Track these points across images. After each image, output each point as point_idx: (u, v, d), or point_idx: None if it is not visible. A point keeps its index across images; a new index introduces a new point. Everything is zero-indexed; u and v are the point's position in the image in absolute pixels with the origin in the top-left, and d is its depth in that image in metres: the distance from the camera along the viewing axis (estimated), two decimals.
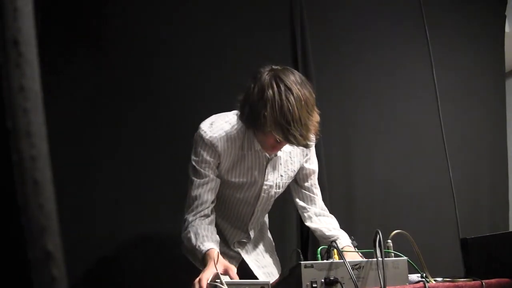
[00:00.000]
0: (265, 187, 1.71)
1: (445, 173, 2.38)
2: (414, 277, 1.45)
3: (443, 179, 2.54)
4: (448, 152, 2.37)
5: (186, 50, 2.43)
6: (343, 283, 1.26)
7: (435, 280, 1.44)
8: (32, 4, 0.46)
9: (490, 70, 3.36)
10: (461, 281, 1.43)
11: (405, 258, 1.39)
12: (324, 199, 1.85)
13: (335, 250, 1.34)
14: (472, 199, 3.07)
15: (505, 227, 3.21)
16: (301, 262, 1.26)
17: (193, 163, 1.64)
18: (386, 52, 2.97)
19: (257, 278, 1.72)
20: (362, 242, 1.69)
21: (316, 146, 1.80)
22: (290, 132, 1.41)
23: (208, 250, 1.45)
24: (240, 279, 1.45)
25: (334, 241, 1.67)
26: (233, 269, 1.37)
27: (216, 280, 1.28)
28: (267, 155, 1.65)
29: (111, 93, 2.28)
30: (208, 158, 1.60)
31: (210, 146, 1.60)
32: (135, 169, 2.25)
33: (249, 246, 1.85)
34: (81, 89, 2.21)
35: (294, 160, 1.74)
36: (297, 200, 1.82)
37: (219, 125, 1.64)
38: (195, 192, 1.61)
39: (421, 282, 1.38)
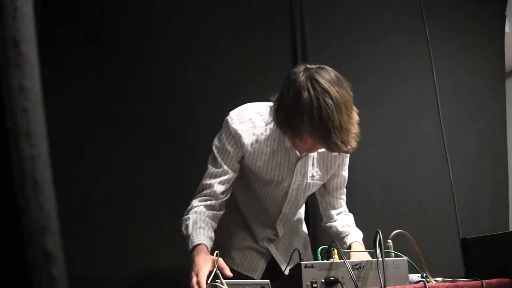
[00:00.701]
0: (293, 186, 1.63)
1: (445, 173, 2.39)
2: (414, 277, 1.45)
3: (443, 179, 2.54)
4: (448, 152, 2.37)
5: (186, 50, 2.43)
6: (343, 283, 1.26)
7: (435, 280, 1.44)
8: (32, 4, 0.46)
9: (490, 70, 3.36)
10: (461, 281, 1.43)
11: (405, 258, 1.40)
12: None
13: (335, 250, 1.34)
14: (472, 199, 3.07)
15: (505, 227, 3.21)
16: (301, 262, 1.26)
17: (214, 148, 1.59)
18: (386, 52, 2.97)
19: (284, 274, 1.69)
20: (362, 242, 1.69)
21: None
22: (331, 139, 1.32)
23: (198, 244, 1.42)
24: (268, 275, 1.44)
25: (345, 237, 1.68)
26: (222, 262, 1.35)
27: (216, 280, 1.28)
28: (297, 153, 1.57)
29: (112, 93, 2.27)
30: (229, 148, 1.55)
31: (234, 135, 1.54)
32: (136, 169, 2.25)
33: (280, 243, 1.79)
34: (81, 89, 2.21)
35: (328, 164, 1.65)
36: (322, 202, 1.79)
37: (249, 115, 1.56)
38: (207, 181, 1.57)
39: (421, 282, 1.39)
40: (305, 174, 1.63)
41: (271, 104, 1.52)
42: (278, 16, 2.69)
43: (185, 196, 1.68)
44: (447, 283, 1.41)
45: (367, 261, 1.33)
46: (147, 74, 2.35)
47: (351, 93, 1.40)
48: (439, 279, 1.46)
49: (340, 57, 2.83)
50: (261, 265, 1.76)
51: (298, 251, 1.57)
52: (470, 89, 3.25)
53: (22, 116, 0.43)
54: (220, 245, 1.75)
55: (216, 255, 1.34)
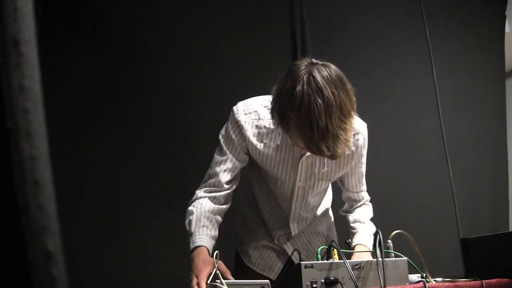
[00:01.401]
0: (298, 184, 1.57)
1: (445, 173, 2.38)
2: (414, 277, 1.45)
3: (443, 179, 2.54)
4: (448, 152, 2.37)
5: (186, 49, 2.43)
6: (343, 283, 1.26)
7: (435, 280, 1.44)
8: (32, 4, 0.46)
9: (490, 70, 3.36)
10: (461, 281, 1.43)
11: (405, 258, 1.39)
12: None
13: (335, 250, 1.34)
14: (472, 199, 3.07)
15: (505, 227, 3.21)
16: (301, 262, 1.26)
17: (220, 137, 1.56)
18: (386, 52, 2.97)
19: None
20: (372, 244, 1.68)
21: None
22: (313, 140, 1.25)
23: (199, 246, 1.40)
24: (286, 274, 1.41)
25: (353, 236, 1.65)
26: (222, 265, 1.34)
27: (216, 280, 1.28)
28: (302, 151, 1.49)
29: (112, 93, 2.28)
30: (233, 136, 1.52)
31: (237, 125, 1.51)
32: (136, 169, 2.25)
33: (297, 242, 1.72)
34: (81, 89, 2.21)
35: (341, 163, 1.56)
36: (344, 195, 1.74)
37: (255, 107, 1.52)
38: (212, 170, 1.54)
39: (421, 282, 1.38)
40: (312, 174, 1.56)
41: None
42: (278, 16, 2.69)
43: (185, 196, 1.68)
44: (447, 283, 1.41)
45: (367, 261, 1.33)
46: (146, 74, 2.35)
47: (353, 98, 1.33)
48: (439, 279, 1.46)
49: (340, 57, 2.81)
50: (278, 264, 1.72)
51: (298, 251, 1.57)
52: (470, 89, 3.25)
53: (22, 116, 0.43)
54: (241, 242, 1.73)
55: (216, 256, 1.34)
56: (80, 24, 2.26)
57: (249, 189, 1.73)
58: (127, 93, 2.30)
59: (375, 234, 1.33)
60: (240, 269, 1.71)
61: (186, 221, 1.49)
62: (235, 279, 1.33)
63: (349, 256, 1.48)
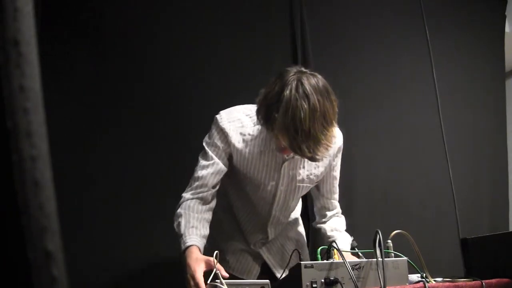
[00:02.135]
0: (281, 188, 1.64)
1: (445, 173, 2.38)
2: (414, 277, 1.45)
3: (443, 179, 2.54)
4: (448, 152, 2.37)
5: (186, 50, 2.43)
6: (343, 283, 1.26)
7: (435, 280, 1.44)
8: (32, 4, 0.46)
9: (490, 70, 3.36)
10: (461, 281, 1.43)
11: (405, 258, 1.40)
12: None
13: (335, 250, 1.34)
14: (472, 199, 3.07)
15: (505, 227, 3.21)
16: (301, 262, 1.26)
17: (204, 144, 1.62)
18: (386, 52, 2.97)
19: (276, 278, 1.70)
20: (362, 242, 1.69)
21: None
22: (296, 141, 1.33)
23: (190, 245, 1.42)
24: (261, 278, 1.44)
25: (333, 241, 1.67)
26: (222, 269, 1.35)
27: (216, 280, 1.28)
28: (285, 155, 1.57)
29: (112, 93, 2.28)
30: (218, 143, 1.58)
31: (223, 133, 1.57)
32: (136, 169, 2.25)
33: (273, 247, 1.80)
34: (81, 89, 2.21)
35: (319, 164, 1.65)
36: (316, 204, 1.79)
37: (238, 116, 1.60)
38: (198, 173, 1.58)
39: (421, 282, 1.39)
40: (293, 177, 1.63)
41: None
42: (278, 16, 2.69)
43: None
44: (447, 283, 1.41)
45: (367, 261, 1.34)
46: (147, 74, 2.35)
47: (336, 109, 1.41)
48: (439, 279, 1.46)
49: (340, 57, 2.83)
50: (256, 267, 1.78)
51: (298, 252, 1.57)
52: (470, 89, 3.25)
53: (22, 116, 0.43)
54: (216, 248, 1.76)
55: (216, 256, 1.34)
56: (80, 24, 2.26)
57: (224, 196, 1.75)
58: (127, 93, 2.30)
59: (375, 234, 1.33)
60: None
61: (175, 224, 1.52)
62: None
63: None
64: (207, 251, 1.47)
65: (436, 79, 2.46)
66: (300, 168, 1.63)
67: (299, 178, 1.64)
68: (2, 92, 0.43)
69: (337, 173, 1.74)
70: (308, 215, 2.30)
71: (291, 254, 1.68)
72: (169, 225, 2.07)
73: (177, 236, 1.49)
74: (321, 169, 1.67)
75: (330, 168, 1.70)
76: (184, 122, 2.36)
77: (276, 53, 2.63)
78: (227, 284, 1.25)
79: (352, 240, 1.66)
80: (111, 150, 2.22)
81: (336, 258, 1.33)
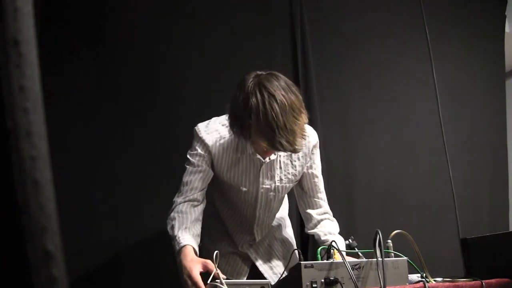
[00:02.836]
0: (261, 190, 1.70)
1: (445, 173, 2.38)
2: (414, 277, 1.45)
3: (443, 179, 2.54)
4: (448, 152, 2.37)
5: (185, 49, 2.43)
6: (343, 283, 1.26)
7: (435, 280, 1.44)
8: (32, 4, 0.46)
9: (490, 70, 3.36)
10: (461, 281, 1.43)
11: (405, 258, 1.40)
12: None
13: (335, 250, 1.34)
14: (472, 199, 3.07)
15: (505, 227, 3.21)
16: (301, 262, 1.26)
17: (188, 155, 1.68)
18: (386, 52, 2.97)
19: (265, 278, 1.73)
20: (362, 242, 1.69)
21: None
22: (276, 139, 1.40)
23: (184, 246, 1.46)
24: (250, 279, 1.46)
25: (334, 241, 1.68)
26: (210, 262, 1.39)
27: (216, 280, 1.28)
28: (261, 158, 1.65)
29: (111, 93, 2.28)
30: (202, 152, 1.64)
31: (203, 144, 1.64)
32: (136, 169, 2.25)
33: (260, 247, 1.85)
34: (81, 89, 2.21)
35: (295, 164, 1.72)
36: (301, 204, 1.82)
37: (215, 127, 1.67)
38: (186, 178, 1.64)
39: (421, 282, 1.39)
40: (272, 178, 1.69)
41: None
42: (278, 16, 2.69)
43: None
44: (447, 283, 1.41)
45: (367, 261, 1.34)
46: (146, 74, 2.35)
47: (300, 97, 1.48)
48: (439, 279, 1.46)
49: (340, 57, 2.83)
50: (245, 268, 1.82)
51: (298, 251, 1.57)
52: (470, 89, 3.25)
53: (22, 116, 0.43)
54: (205, 252, 1.79)
55: (216, 256, 1.34)
56: (80, 24, 2.26)
57: (210, 202, 1.79)
58: (127, 93, 2.30)
59: (375, 234, 1.33)
60: (209, 276, 1.76)
61: (169, 227, 1.57)
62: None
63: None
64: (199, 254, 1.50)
65: (436, 79, 2.46)
66: (277, 169, 1.70)
67: (277, 178, 1.70)
68: (2, 92, 0.43)
69: (317, 171, 1.78)
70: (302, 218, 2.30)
71: (291, 254, 1.68)
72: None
73: (171, 239, 1.53)
74: (299, 168, 1.73)
75: (307, 165, 1.74)
76: (184, 122, 2.36)
77: (276, 53, 2.63)
78: (227, 284, 1.25)
79: (352, 240, 1.66)
80: (111, 150, 2.22)
81: (336, 258, 1.33)
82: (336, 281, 1.25)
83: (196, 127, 1.68)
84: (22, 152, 0.43)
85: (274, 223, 1.91)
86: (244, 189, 1.69)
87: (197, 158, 1.65)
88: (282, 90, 1.43)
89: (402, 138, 2.94)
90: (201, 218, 1.61)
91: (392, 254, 1.40)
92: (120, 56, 2.30)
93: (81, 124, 2.19)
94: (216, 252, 1.35)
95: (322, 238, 1.72)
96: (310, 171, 1.76)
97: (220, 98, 2.36)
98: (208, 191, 1.71)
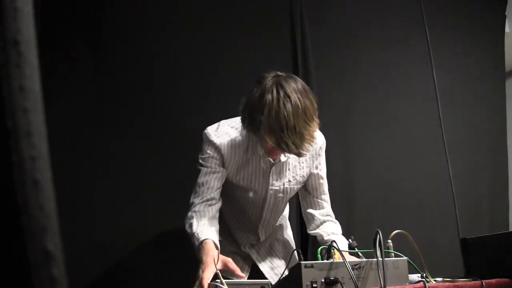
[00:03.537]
0: (270, 191, 1.71)
1: (445, 173, 2.38)
2: (414, 277, 1.45)
3: (443, 179, 2.54)
4: (448, 152, 2.37)
5: (186, 50, 2.43)
6: (343, 283, 1.26)
7: (435, 280, 1.44)
8: (32, 4, 0.46)
9: (490, 70, 3.36)
10: (461, 281, 1.43)
11: (405, 258, 1.39)
12: None
13: (335, 250, 1.34)
14: (472, 199, 3.07)
15: (505, 227, 3.21)
16: (301, 262, 1.26)
17: (200, 160, 1.68)
18: (386, 52, 2.97)
19: (266, 278, 1.73)
20: (362, 242, 1.69)
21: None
22: (283, 139, 1.41)
23: (204, 239, 1.47)
24: (251, 279, 1.46)
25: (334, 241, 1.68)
26: (231, 261, 1.42)
27: (216, 280, 1.28)
28: (271, 160, 1.65)
29: (111, 93, 2.28)
30: (215, 155, 1.64)
31: (215, 147, 1.64)
32: (136, 169, 2.25)
33: (262, 248, 1.87)
34: (81, 89, 2.21)
35: (302, 165, 1.73)
36: (304, 205, 1.82)
37: (225, 130, 1.67)
38: (202, 179, 1.64)
39: (421, 282, 1.38)
40: (281, 179, 1.71)
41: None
42: (278, 16, 2.69)
43: (186, 197, 1.68)
44: (447, 283, 1.41)
45: (367, 261, 1.33)
46: (146, 74, 2.35)
47: (315, 105, 1.49)
48: (439, 279, 1.46)
49: (339, 57, 2.83)
50: (246, 268, 1.83)
51: (298, 251, 1.57)
52: (470, 89, 3.25)
53: (22, 116, 0.43)
54: None
55: (217, 253, 1.34)
56: (80, 24, 2.26)
57: None
58: (127, 93, 2.30)
59: (375, 234, 1.33)
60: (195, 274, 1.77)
61: (187, 225, 1.57)
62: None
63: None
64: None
65: (436, 79, 2.46)
66: (286, 170, 1.71)
67: (285, 180, 1.72)
68: (2, 92, 0.43)
69: (322, 172, 1.79)
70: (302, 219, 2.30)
71: (291, 254, 1.68)
72: (169, 225, 2.07)
73: (190, 237, 1.54)
74: (306, 169, 1.74)
75: (313, 166, 1.76)
76: (184, 121, 2.36)
77: (276, 53, 2.63)
78: (227, 284, 1.25)
79: (352, 240, 1.66)
80: (111, 150, 2.22)
81: (336, 258, 1.33)
82: (336, 281, 1.25)
83: (205, 131, 1.68)
84: (22, 152, 0.43)
85: (277, 224, 1.92)
86: (253, 190, 1.70)
87: (210, 160, 1.65)
88: (299, 93, 1.44)
89: (402, 138, 2.94)
90: (217, 216, 1.62)
91: (392, 254, 1.40)
92: (120, 56, 2.30)
93: (81, 124, 2.19)
94: (216, 252, 1.35)
95: (325, 238, 1.72)
96: (315, 171, 1.77)
97: (220, 98, 2.38)
98: None
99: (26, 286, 0.43)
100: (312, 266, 1.25)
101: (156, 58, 2.37)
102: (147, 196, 2.24)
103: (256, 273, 1.80)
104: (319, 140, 1.74)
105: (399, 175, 2.88)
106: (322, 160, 1.79)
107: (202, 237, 1.48)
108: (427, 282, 1.38)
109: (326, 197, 1.82)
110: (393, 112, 2.95)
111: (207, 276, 1.33)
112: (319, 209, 1.79)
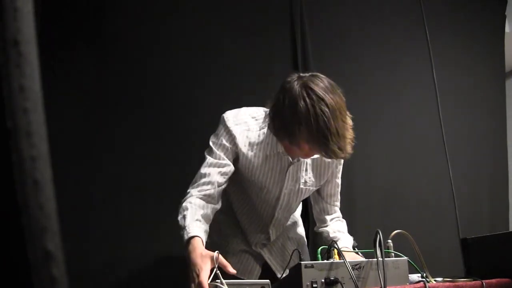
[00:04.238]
0: (285, 190, 1.65)
1: (445, 173, 2.38)
2: (415, 277, 1.45)
3: (443, 180, 2.54)
4: (448, 152, 2.37)
5: (186, 49, 2.43)
6: (344, 283, 1.26)
7: (435, 280, 1.44)
8: (32, 4, 0.46)
9: (490, 70, 3.36)
10: (461, 281, 1.43)
11: (406, 258, 1.39)
12: None
13: (335, 250, 1.34)
14: (472, 199, 3.07)
15: (505, 227, 3.21)
16: (301, 262, 1.26)
17: (211, 144, 1.59)
18: (386, 52, 2.97)
19: (277, 278, 1.70)
20: (362, 242, 1.69)
21: None
22: (329, 147, 1.34)
23: (193, 237, 1.39)
24: (262, 278, 1.44)
25: (336, 240, 1.67)
26: (220, 256, 1.34)
27: (216, 280, 1.28)
28: (290, 159, 1.59)
29: (112, 93, 2.28)
30: (226, 144, 1.56)
31: (230, 135, 1.56)
32: (136, 169, 2.25)
33: (274, 247, 1.81)
34: (81, 89, 2.21)
35: (322, 170, 1.66)
36: (316, 208, 1.79)
37: (244, 118, 1.59)
38: (205, 170, 1.55)
39: (421, 282, 1.38)
40: (297, 180, 1.64)
41: (266, 109, 1.54)
42: (278, 16, 2.69)
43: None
44: (447, 283, 1.41)
45: (367, 261, 1.33)
46: (147, 74, 2.35)
47: (344, 99, 1.42)
48: (439, 279, 1.46)
49: (340, 57, 2.83)
50: (257, 268, 1.78)
51: (298, 251, 1.57)
52: (470, 89, 3.25)
53: (22, 116, 0.43)
54: (216, 249, 1.76)
55: (217, 253, 1.34)
56: (80, 24, 2.26)
57: (225, 196, 1.75)
58: (127, 92, 2.30)
59: (375, 234, 1.33)
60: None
61: (180, 217, 1.49)
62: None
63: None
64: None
65: (436, 79, 2.46)
66: (303, 170, 1.64)
67: (302, 181, 1.64)
68: (2, 92, 0.43)
69: (339, 179, 1.74)
70: (309, 217, 2.30)
71: (291, 254, 1.68)
72: (170, 226, 2.07)
73: (180, 228, 1.46)
74: (323, 173, 1.67)
75: (332, 172, 1.69)
76: (184, 123, 2.37)
77: (276, 53, 2.63)
78: (227, 284, 1.25)
79: (353, 240, 1.66)
80: (111, 150, 2.22)
81: (336, 258, 1.33)
82: (336, 281, 1.25)
83: (224, 115, 1.59)
84: (22, 152, 0.43)
85: (288, 222, 1.86)
86: (266, 188, 1.63)
87: (220, 150, 1.56)
88: (330, 92, 1.36)
89: (402, 138, 2.94)
90: (212, 218, 1.54)
91: (393, 254, 1.40)
92: (120, 56, 2.30)
93: (81, 124, 2.19)
94: (216, 252, 1.34)
95: (331, 235, 1.70)
96: (334, 179, 1.72)
97: (220, 98, 2.38)
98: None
99: (26, 286, 0.43)
100: (312, 266, 1.25)
101: (156, 58, 2.38)
102: (147, 196, 2.24)
103: (268, 272, 1.75)
104: None
105: (399, 175, 2.88)
106: (341, 167, 1.72)
107: (191, 233, 1.39)
108: (427, 282, 1.38)
109: (338, 203, 1.79)
110: (393, 112, 2.95)
111: (205, 279, 1.28)
112: (332, 214, 1.77)
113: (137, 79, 2.33)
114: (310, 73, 1.43)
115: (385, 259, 1.30)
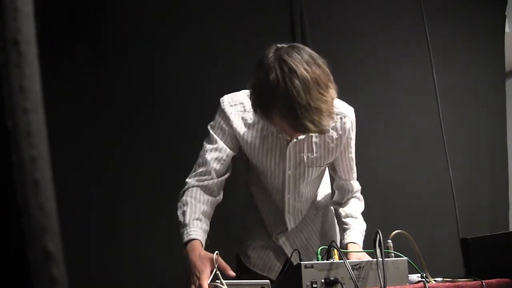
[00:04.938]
0: (289, 172, 1.55)
1: (445, 173, 2.38)
2: (414, 277, 1.45)
3: (443, 179, 2.54)
4: (448, 152, 2.37)
5: (186, 49, 2.43)
6: (343, 283, 1.26)
7: (435, 280, 1.44)
8: (32, 4, 0.46)
9: (490, 70, 3.36)
10: (461, 281, 1.43)
11: (405, 258, 1.39)
12: None
13: (335, 250, 1.34)
14: (472, 199, 3.07)
15: (505, 227, 3.21)
16: (301, 262, 1.25)
17: (209, 127, 1.56)
18: (386, 52, 2.97)
19: None
20: (362, 242, 1.68)
21: None
22: (298, 120, 1.26)
23: (192, 240, 1.36)
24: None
25: (344, 231, 1.63)
26: (220, 259, 1.31)
27: (216, 280, 1.28)
28: (287, 137, 1.50)
29: (112, 93, 2.28)
30: (224, 126, 1.52)
31: (225, 116, 1.52)
32: (136, 169, 2.25)
33: (296, 241, 1.71)
34: (81, 89, 2.21)
35: (329, 148, 1.55)
36: (335, 184, 1.72)
37: (240, 99, 1.54)
38: (202, 158, 1.52)
39: (421, 282, 1.38)
40: (301, 160, 1.55)
41: None
42: (278, 16, 2.69)
43: None
44: (447, 283, 1.41)
45: (367, 261, 1.33)
46: (147, 74, 2.35)
47: (327, 70, 1.34)
48: (439, 279, 1.46)
49: (340, 57, 2.82)
50: (277, 264, 1.72)
51: (298, 251, 1.57)
52: (470, 89, 3.25)
53: (22, 116, 0.43)
54: (241, 244, 1.72)
55: (216, 255, 1.33)
56: (80, 24, 2.26)
57: (247, 189, 1.73)
58: (127, 93, 2.31)
59: (375, 234, 1.33)
60: (241, 270, 1.71)
61: (179, 212, 1.45)
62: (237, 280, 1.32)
63: (347, 255, 1.48)
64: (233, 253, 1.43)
65: (436, 79, 2.46)
66: (307, 150, 1.54)
67: (307, 161, 1.55)
68: (2, 92, 0.43)
69: (352, 154, 1.64)
70: None
71: (291, 254, 1.67)
72: (170, 225, 2.06)
73: (180, 225, 1.43)
74: (332, 150, 1.57)
75: (343, 148, 1.60)
76: (184, 121, 2.36)
77: None
78: (227, 284, 1.25)
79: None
80: (111, 150, 2.22)
81: (336, 258, 1.33)
82: (336, 281, 1.25)
83: (221, 98, 1.56)
84: (22, 152, 0.43)
85: (313, 212, 1.75)
86: (269, 171, 1.56)
87: (216, 132, 1.52)
88: (305, 63, 1.28)
89: (402, 138, 2.94)
90: (212, 213, 1.49)
91: (392, 254, 1.39)
92: (120, 56, 2.30)
93: (81, 124, 2.19)
94: (216, 252, 1.34)
95: (342, 219, 1.65)
96: (346, 155, 1.62)
97: (220, 98, 2.37)
98: (243, 173, 1.60)
99: (26, 286, 0.43)
100: (312, 266, 1.25)
101: (156, 58, 2.38)
102: (147, 196, 2.24)
103: (289, 268, 1.65)
104: (350, 115, 1.59)
105: (399, 175, 2.88)
106: (353, 139, 1.61)
107: (192, 235, 1.37)
108: (427, 282, 1.38)
109: (355, 175, 1.69)
110: (393, 112, 2.95)
111: (205, 281, 1.27)
112: (351, 190, 1.69)
113: (137, 79, 2.33)
114: (289, 44, 1.37)
115: (385, 259, 1.30)
